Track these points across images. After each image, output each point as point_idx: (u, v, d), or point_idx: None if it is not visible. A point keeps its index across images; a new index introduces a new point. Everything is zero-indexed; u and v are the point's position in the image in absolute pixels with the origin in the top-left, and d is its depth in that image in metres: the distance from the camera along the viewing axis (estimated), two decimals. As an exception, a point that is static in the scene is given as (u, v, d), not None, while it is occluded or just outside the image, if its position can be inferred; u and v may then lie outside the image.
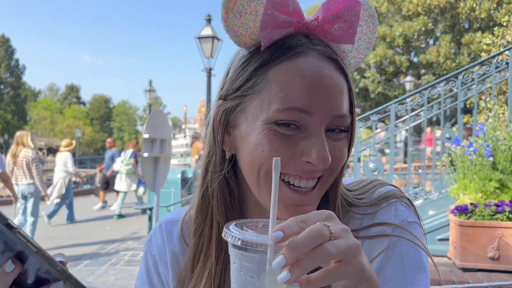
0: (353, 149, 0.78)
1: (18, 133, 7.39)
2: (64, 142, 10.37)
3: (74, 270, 6.38)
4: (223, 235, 0.54)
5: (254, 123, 0.69)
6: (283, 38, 0.69)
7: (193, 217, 0.82)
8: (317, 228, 0.48)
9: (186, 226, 0.86)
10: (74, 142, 10.71)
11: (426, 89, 5.11)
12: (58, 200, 9.87)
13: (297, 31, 0.70)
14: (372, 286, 0.53)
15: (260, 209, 0.77)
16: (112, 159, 11.82)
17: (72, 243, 8.23)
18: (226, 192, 0.76)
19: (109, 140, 11.42)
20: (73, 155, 10.56)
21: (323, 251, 0.47)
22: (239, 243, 0.51)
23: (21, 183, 7.18)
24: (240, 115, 0.72)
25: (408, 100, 5.13)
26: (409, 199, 0.79)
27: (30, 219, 7.35)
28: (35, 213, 7.44)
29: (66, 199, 10.09)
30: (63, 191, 9.93)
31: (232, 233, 0.52)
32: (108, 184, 11.76)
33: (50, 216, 9.79)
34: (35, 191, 7.39)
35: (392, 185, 0.82)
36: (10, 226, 0.51)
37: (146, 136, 4.25)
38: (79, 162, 34.44)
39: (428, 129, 7.14)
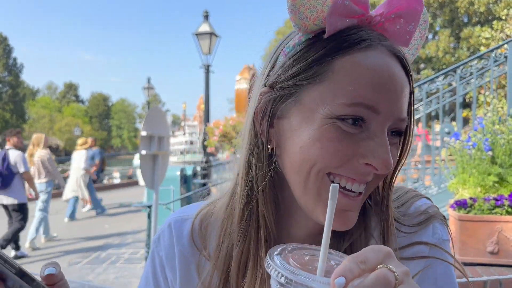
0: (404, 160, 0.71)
1: (35, 136, 8.15)
2: (80, 140, 10.76)
3: (74, 269, 6.39)
4: (265, 265, 0.49)
5: (311, 116, 0.63)
6: (348, 28, 0.64)
7: (218, 215, 0.78)
8: (383, 275, 0.43)
9: (198, 225, 0.80)
10: (89, 140, 11.25)
11: (424, 83, 5.10)
12: (72, 198, 10.46)
13: (359, 23, 0.65)
14: None
15: (302, 212, 0.71)
16: (93, 159, 11.94)
17: (72, 241, 8.23)
18: (273, 192, 0.70)
19: (89, 139, 11.34)
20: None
21: (381, 277, 0.43)
22: (283, 280, 0.46)
23: (35, 181, 7.55)
24: (292, 106, 0.66)
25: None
26: (443, 216, 0.76)
27: (39, 214, 7.75)
28: (45, 209, 7.87)
29: (91, 194, 10.82)
30: (84, 188, 10.50)
31: (277, 266, 0.47)
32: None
33: (72, 216, 10.50)
34: (46, 188, 7.88)
35: (426, 198, 0.79)
36: None
37: (144, 133, 4.23)
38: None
39: (420, 125, 7.12)
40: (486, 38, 6.85)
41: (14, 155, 6.69)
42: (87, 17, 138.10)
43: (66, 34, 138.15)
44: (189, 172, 9.58)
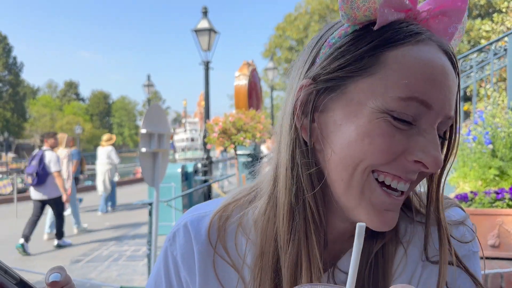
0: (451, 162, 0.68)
1: (59, 135, 8.51)
2: (105, 137, 11.27)
3: (76, 267, 6.41)
4: None
5: (359, 110, 0.60)
6: (398, 21, 0.62)
7: (250, 217, 0.74)
8: None
9: (217, 223, 0.76)
10: (114, 136, 11.62)
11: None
12: (104, 192, 11.03)
13: (407, 18, 0.63)
14: None
15: (343, 214, 0.67)
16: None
17: (74, 239, 8.25)
18: (319, 191, 0.65)
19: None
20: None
21: None
22: None
23: None
24: (337, 99, 0.63)
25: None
26: (474, 226, 0.76)
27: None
28: (72, 203, 8.56)
29: (113, 189, 11.29)
30: (108, 183, 10.97)
31: None
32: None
33: (103, 209, 11.20)
34: (71, 184, 8.44)
35: (459, 206, 0.77)
36: None
37: (144, 131, 4.23)
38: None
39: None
40: (487, 31, 6.82)
41: (49, 156, 7.36)
42: (85, 15, 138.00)
43: (65, 32, 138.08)
44: (190, 169, 9.58)
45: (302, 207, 0.66)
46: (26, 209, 11.82)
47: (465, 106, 6.40)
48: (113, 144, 11.44)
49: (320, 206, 0.65)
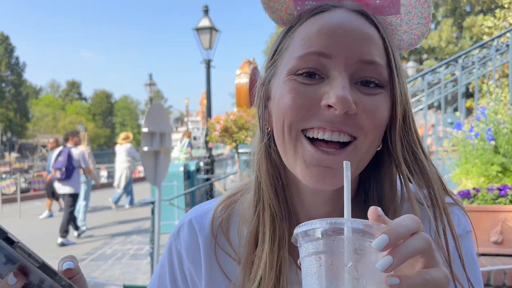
0: (400, 111, 0.67)
1: (80, 134, 9.03)
2: (122, 135, 11.86)
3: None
4: (294, 235, 0.50)
5: (280, 79, 0.68)
6: (317, 5, 0.69)
7: (249, 202, 0.78)
8: (425, 236, 0.47)
9: (220, 214, 0.81)
10: (130, 134, 12.17)
11: (426, 73, 5.06)
12: (122, 189, 11.54)
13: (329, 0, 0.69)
14: None
15: (299, 186, 0.72)
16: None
17: (77, 239, 8.28)
18: (269, 167, 0.72)
19: (51, 140, 10.79)
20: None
21: (424, 236, 0.46)
22: (319, 233, 0.47)
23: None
24: (273, 81, 0.71)
25: (408, 85, 5.07)
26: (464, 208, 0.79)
27: (83, 202, 8.98)
28: (87, 197, 9.22)
29: (128, 186, 11.71)
30: (126, 180, 11.41)
31: (307, 225, 0.48)
32: (53, 190, 9.29)
33: (131, 202, 11.89)
34: (87, 179, 9.09)
35: (460, 206, 0.79)
36: (10, 240, 0.49)
37: (145, 130, 4.23)
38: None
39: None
40: (489, 27, 6.77)
41: (76, 153, 8.12)
42: (86, 14, 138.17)
43: (66, 31, 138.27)
44: (192, 167, 9.59)
45: (261, 188, 0.72)
46: (30, 209, 11.89)
47: (467, 103, 6.37)
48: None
49: (270, 187, 0.71)
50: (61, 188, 8.03)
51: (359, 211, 0.69)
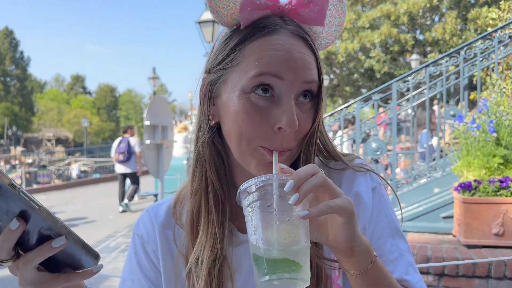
0: (320, 115, 0.83)
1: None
2: (181, 125, 12.39)
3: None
4: (238, 195, 0.66)
5: (234, 93, 0.77)
6: (260, 19, 0.77)
7: (187, 192, 0.89)
8: (322, 175, 0.63)
9: (173, 203, 0.93)
10: (188, 125, 12.57)
11: (428, 65, 5.03)
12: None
13: (273, 13, 0.78)
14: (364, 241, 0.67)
15: (244, 170, 0.83)
16: None
17: (81, 231, 8.36)
18: (215, 154, 0.84)
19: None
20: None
21: (320, 175, 0.63)
22: (253, 188, 0.64)
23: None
24: (222, 86, 0.80)
25: (410, 78, 5.04)
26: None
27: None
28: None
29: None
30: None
31: (245, 184, 0.65)
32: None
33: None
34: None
35: (359, 157, 0.94)
36: (13, 186, 0.53)
37: (147, 123, 4.25)
38: (87, 151, 34.70)
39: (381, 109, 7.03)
40: (493, 19, 6.69)
41: (133, 141, 10.36)
42: (90, 8, 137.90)
43: (71, 26, 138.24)
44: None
45: (203, 169, 0.84)
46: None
47: (471, 95, 6.33)
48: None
49: (214, 170, 0.83)
50: (121, 169, 10.33)
51: None
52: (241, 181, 0.86)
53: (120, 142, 10.39)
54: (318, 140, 0.85)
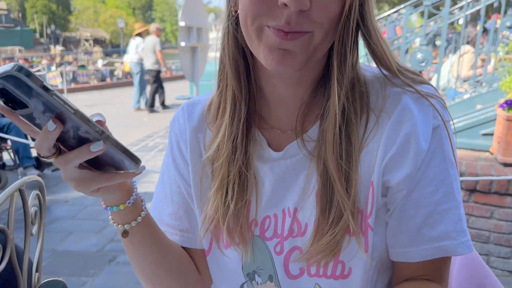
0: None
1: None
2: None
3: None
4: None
5: None
6: None
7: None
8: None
9: (207, 106, 0.89)
10: None
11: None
12: None
13: None
14: None
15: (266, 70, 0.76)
16: None
17: (118, 133, 8.73)
18: (234, 48, 0.76)
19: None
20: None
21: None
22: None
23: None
24: None
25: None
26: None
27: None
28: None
29: None
30: None
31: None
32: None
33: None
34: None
35: (430, 84, 0.77)
36: (46, 88, 0.51)
37: (182, 24, 4.13)
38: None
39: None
40: None
41: (153, 41, 10.35)
42: None
43: None
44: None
45: (225, 63, 0.78)
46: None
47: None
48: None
49: (240, 61, 0.76)
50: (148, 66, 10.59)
51: (323, 88, 0.77)
52: (263, 84, 0.80)
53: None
54: (364, 33, 0.70)
